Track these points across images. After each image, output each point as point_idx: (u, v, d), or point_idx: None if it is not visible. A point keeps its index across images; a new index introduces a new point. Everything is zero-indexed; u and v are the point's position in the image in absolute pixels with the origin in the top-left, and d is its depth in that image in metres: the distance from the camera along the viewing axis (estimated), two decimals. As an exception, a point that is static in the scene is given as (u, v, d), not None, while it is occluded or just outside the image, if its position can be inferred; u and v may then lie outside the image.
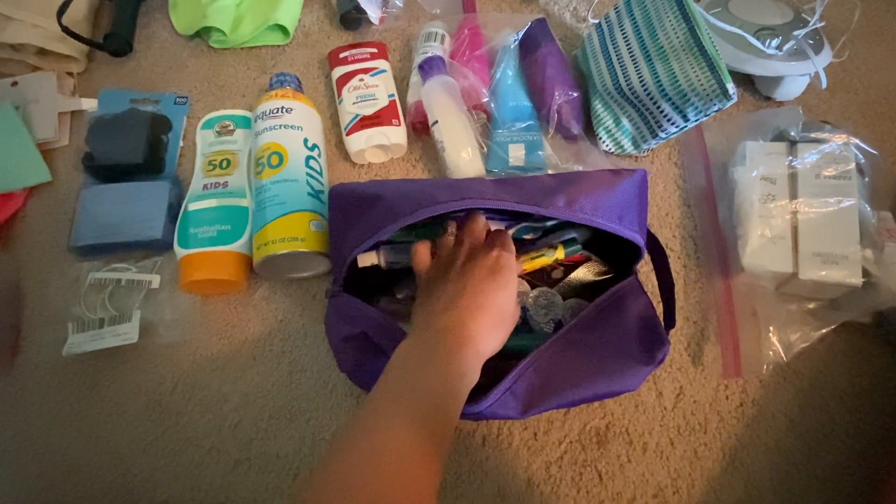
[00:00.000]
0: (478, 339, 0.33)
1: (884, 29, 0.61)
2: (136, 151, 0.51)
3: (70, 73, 0.60)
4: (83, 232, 0.48)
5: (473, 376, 0.33)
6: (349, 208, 0.39)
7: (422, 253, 0.38)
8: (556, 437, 0.42)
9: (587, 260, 0.44)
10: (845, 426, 0.42)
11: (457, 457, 0.41)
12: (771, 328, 0.42)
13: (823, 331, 0.42)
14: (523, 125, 0.52)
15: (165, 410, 0.44)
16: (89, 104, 0.57)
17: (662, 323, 0.41)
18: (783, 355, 0.41)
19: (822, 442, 0.42)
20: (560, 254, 0.41)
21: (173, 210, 0.49)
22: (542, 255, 0.41)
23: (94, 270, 0.48)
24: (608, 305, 0.40)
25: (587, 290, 0.44)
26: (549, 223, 0.43)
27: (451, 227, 0.39)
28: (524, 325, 0.44)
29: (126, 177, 0.51)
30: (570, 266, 0.44)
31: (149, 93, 0.58)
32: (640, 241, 0.39)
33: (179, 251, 0.45)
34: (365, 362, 0.38)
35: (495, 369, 0.36)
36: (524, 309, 0.43)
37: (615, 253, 0.43)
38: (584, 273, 0.44)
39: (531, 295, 0.43)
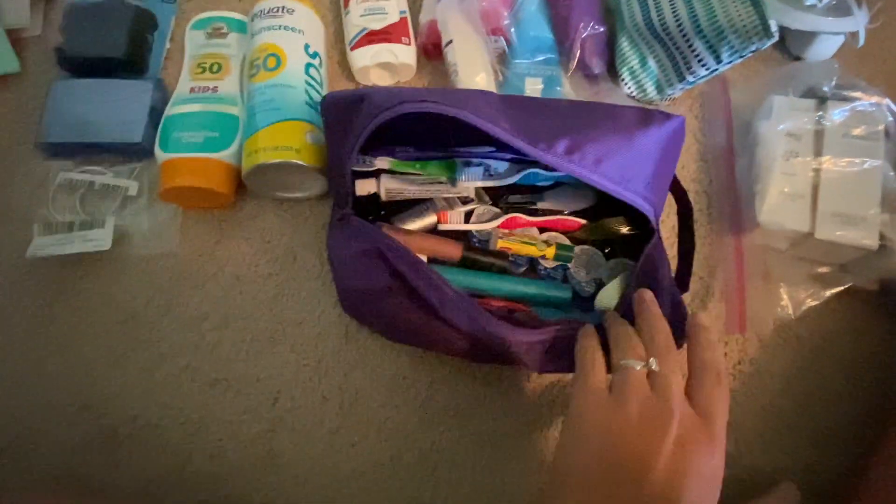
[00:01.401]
0: None
1: (921, 0, 0.59)
2: (116, 44, 0.46)
3: (45, -43, 0.54)
4: (53, 128, 0.44)
5: None
6: (340, 115, 0.35)
7: (595, 359, 0.27)
8: (550, 379, 0.41)
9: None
10: (840, 392, 0.42)
11: (452, 395, 0.40)
12: (782, 284, 0.40)
13: (835, 290, 0.41)
14: (543, 58, 0.48)
15: (138, 324, 0.41)
16: (66, -9, 0.51)
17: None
18: (791, 312, 0.40)
19: (814, 406, 0.41)
20: (549, 253, 0.39)
21: (156, 114, 0.45)
22: (535, 244, 0.39)
23: (65, 171, 0.44)
24: (642, 275, 0.35)
25: (611, 243, 0.42)
26: (561, 174, 0.39)
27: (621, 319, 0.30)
28: (564, 280, 0.41)
29: (104, 73, 0.46)
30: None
31: (134, -15, 0.52)
32: (644, 206, 0.35)
33: (161, 155, 0.41)
34: (374, 278, 0.34)
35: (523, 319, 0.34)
36: (564, 267, 0.41)
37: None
38: (616, 224, 0.41)
39: (574, 252, 0.41)
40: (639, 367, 0.27)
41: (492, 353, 0.34)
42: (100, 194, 0.44)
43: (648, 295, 0.32)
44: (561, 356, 0.34)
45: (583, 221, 0.42)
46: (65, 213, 0.43)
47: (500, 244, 0.40)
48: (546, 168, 0.38)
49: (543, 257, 0.40)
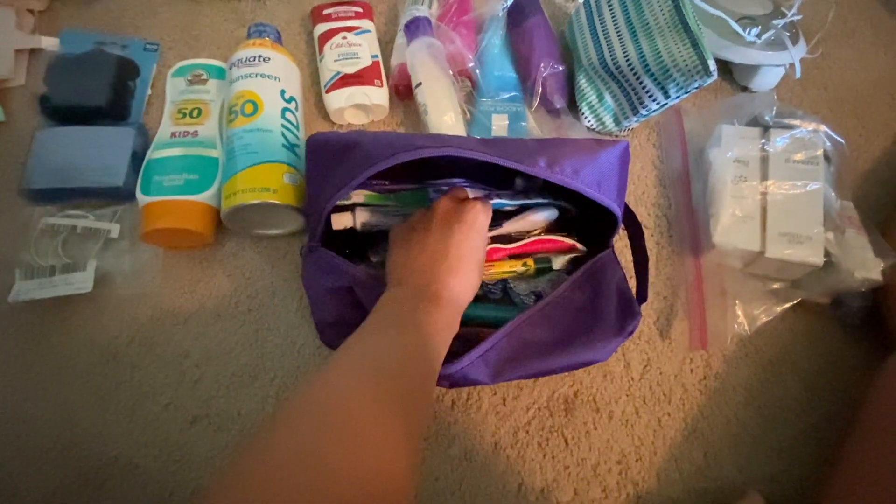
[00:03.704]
0: (458, 296, 0.33)
1: (855, 31, 0.64)
2: (98, 93, 0.48)
3: (31, 11, 0.56)
4: (37, 175, 0.45)
5: (452, 331, 0.33)
6: (326, 157, 0.38)
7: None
8: (524, 402, 0.42)
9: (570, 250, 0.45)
10: (801, 401, 0.44)
11: (424, 419, 0.41)
12: (737, 302, 0.43)
13: (786, 305, 0.43)
14: (507, 95, 0.52)
15: (120, 364, 0.42)
16: (49, 43, 0.53)
17: (635, 296, 0.42)
18: (747, 328, 0.42)
19: (778, 415, 0.43)
20: (531, 271, 0.42)
21: (137, 158, 0.46)
22: (514, 270, 0.42)
23: (47, 216, 0.45)
24: (585, 278, 0.40)
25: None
26: (524, 201, 0.42)
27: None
28: (504, 298, 0.43)
29: (86, 121, 0.48)
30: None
31: (116, 36, 0.54)
32: (616, 209, 0.39)
33: (142, 198, 0.43)
34: (347, 316, 0.37)
35: (468, 335, 0.36)
36: (504, 281, 0.43)
37: (591, 227, 0.43)
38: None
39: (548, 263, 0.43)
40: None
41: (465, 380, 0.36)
42: (82, 237, 0.45)
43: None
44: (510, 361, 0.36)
45: (559, 239, 0.44)
46: (47, 257, 0.44)
47: (484, 278, 0.41)
48: (510, 196, 0.41)
49: (525, 276, 0.42)
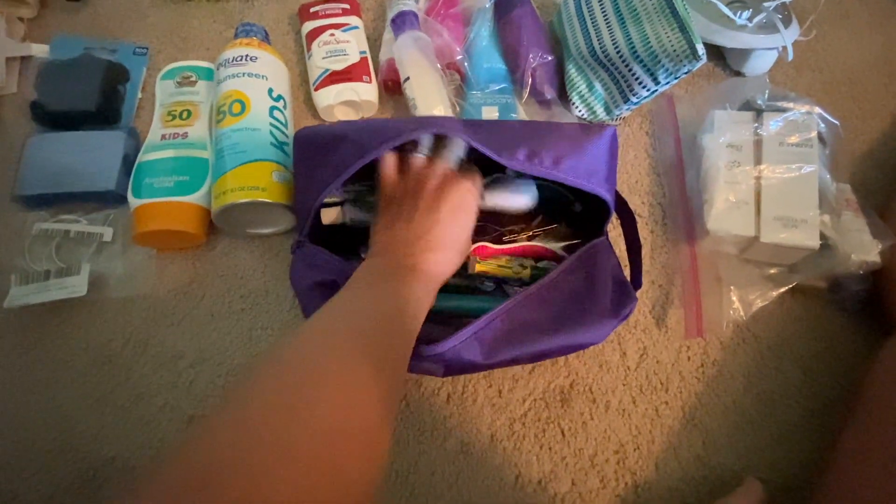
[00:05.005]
0: (437, 272, 0.34)
1: (850, 12, 0.63)
2: (88, 98, 0.48)
3: (21, 19, 0.56)
4: (29, 181, 0.46)
5: (429, 303, 0.33)
6: (314, 151, 0.38)
7: (389, 165, 0.36)
8: (520, 394, 0.42)
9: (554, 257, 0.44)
10: (800, 387, 0.43)
11: (420, 414, 0.41)
12: (732, 288, 0.42)
13: (782, 290, 0.43)
14: (497, 87, 0.51)
15: (115, 366, 0.42)
16: (40, 50, 0.53)
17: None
18: (742, 314, 0.42)
19: (777, 402, 0.43)
20: (526, 275, 0.41)
21: (129, 161, 0.46)
22: (510, 268, 0.41)
23: (41, 222, 0.45)
24: (579, 263, 0.40)
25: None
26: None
27: (426, 141, 0.37)
28: (497, 290, 0.43)
29: (78, 126, 0.48)
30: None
31: (105, 41, 0.55)
32: (606, 196, 0.38)
33: (133, 201, 0.43)
34: None
35: (460, 327, 0.36)
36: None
37: (586, 215, 0.43)
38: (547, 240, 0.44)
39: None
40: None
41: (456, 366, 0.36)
42: (75, 242, 0.45)
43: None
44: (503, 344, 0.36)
45: (550, 248, 0.44)
46: (41, 262, 0.44)
47: (479, 268, 0.41)
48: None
49: (520, 279, 0.42)
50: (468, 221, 0.36)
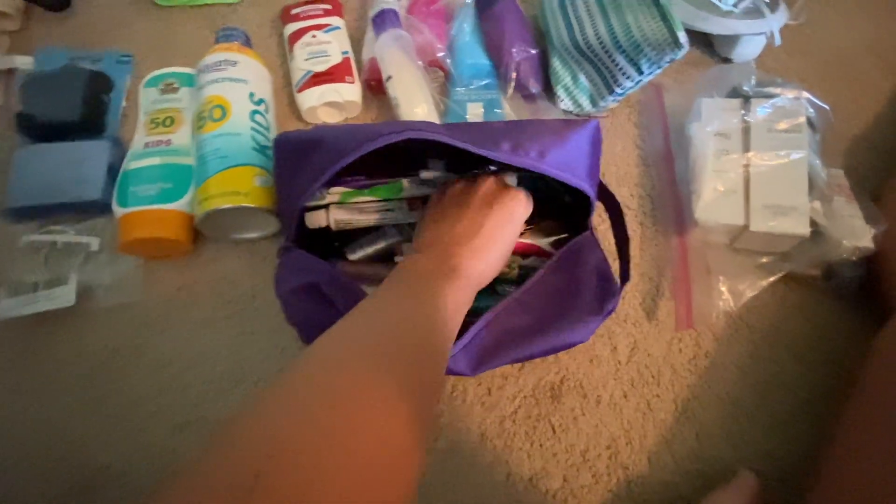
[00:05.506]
0: (478, 276, 0.34)
1: (840, -6, 0.62)
2: (71, 108, 0.48)
3: (4, 32, 0.57)
4: (17, 193, 0.46)
5: (467, 309, 0.33)
6: (293, 156, 0.37)
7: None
8: (510, 392, 0.42)
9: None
10: (794, 376, 0.43)
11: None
12: (721, 278, 0.42)
13: (772, 279, 0.42)
14: (482, 83, 0.51)
15: (105, 375, 0.42)
16: (24, 62, 0.53)
17: (618, 278, 0.41)
18: (732, 304, 0.41)
19: (771, 392, 0.42)
20: (513, 275, 0.41)
21: (114, 171, 0.46)
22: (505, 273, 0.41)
23: (29, 233, 0.45)
24: (562, 261, 0.40)
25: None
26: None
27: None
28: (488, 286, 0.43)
29: (63, 136, 0.48)
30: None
31: (89, 51, 0.55)
32: (588, 190, 0.38)
33: (118, 210, 0.43)
34: (314, 314, 0.37)
35: None
36: None
37: (573, 209, 0.42)
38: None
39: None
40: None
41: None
42: (63, 252, 0.45)
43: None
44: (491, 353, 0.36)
45: (536, 244, 0.43)
46: (29, 274, 0.44)
47: None
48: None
49: (509, 280, 0.42)
50: (515, 232, 0.36)
